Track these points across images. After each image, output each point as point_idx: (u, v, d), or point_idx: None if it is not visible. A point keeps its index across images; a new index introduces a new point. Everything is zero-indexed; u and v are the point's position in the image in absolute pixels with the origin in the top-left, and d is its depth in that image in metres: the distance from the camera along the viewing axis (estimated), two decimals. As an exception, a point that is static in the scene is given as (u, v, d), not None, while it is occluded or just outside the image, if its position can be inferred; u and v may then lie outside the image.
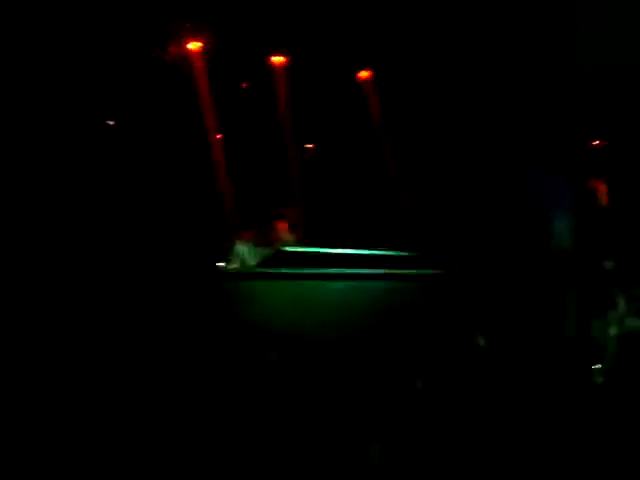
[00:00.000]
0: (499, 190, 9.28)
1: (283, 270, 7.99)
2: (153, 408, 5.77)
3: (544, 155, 9.09)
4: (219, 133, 9.46)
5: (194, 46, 9.26)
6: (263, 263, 8.22)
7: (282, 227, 8.94)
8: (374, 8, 9.12)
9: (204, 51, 9.21)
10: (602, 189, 7.64)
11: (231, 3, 9.00)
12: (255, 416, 5.71)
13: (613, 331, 6.57)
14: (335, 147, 9.97)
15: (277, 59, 9.58)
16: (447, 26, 9.03)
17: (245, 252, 8.74)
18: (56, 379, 5.99)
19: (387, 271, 8.17)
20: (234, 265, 8.65)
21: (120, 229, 8.92)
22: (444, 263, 8.40)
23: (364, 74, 9.80)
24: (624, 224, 7.46)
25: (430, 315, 7.59)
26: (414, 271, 8.29)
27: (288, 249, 8.55)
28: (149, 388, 6.04)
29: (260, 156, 9.68)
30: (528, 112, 9.23)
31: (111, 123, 9.79)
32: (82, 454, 5.19)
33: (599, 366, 6.26)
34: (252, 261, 8.62)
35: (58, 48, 8.79)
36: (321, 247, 8.14)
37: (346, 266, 8.13)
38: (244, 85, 9.80)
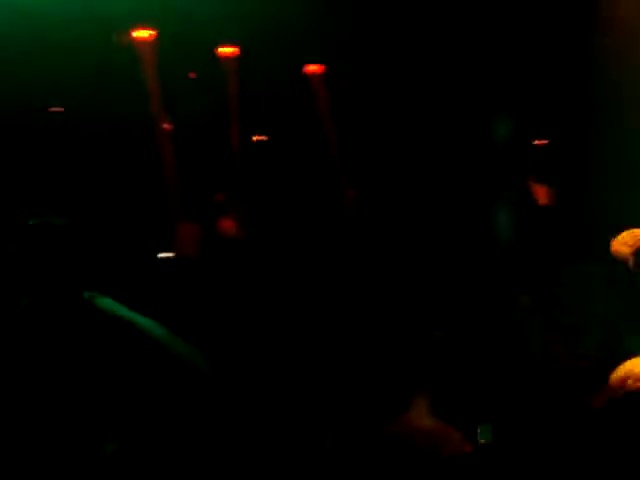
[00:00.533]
0: (443, 186, 9.34)
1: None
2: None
3: (485, 153, 9.17)
4: (167, 123, 9.43)
5: (141, 34, 9.20)
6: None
7: (227, 223, 8.91)
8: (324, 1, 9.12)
9: (152, 40, 9.17)
10: (542, 190, 7.73)
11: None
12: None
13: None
14: (284, 141, 9.97)
15: (226, 50, 9.55)
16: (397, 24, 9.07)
17: None
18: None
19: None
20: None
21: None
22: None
23: (313, 67, 9.80)
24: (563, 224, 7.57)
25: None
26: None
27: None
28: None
29: (207, 148, 9.65)
30: (470, 111, 9.29)
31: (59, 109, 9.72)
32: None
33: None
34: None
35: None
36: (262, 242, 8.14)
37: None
38: (192, 75, 9.74)
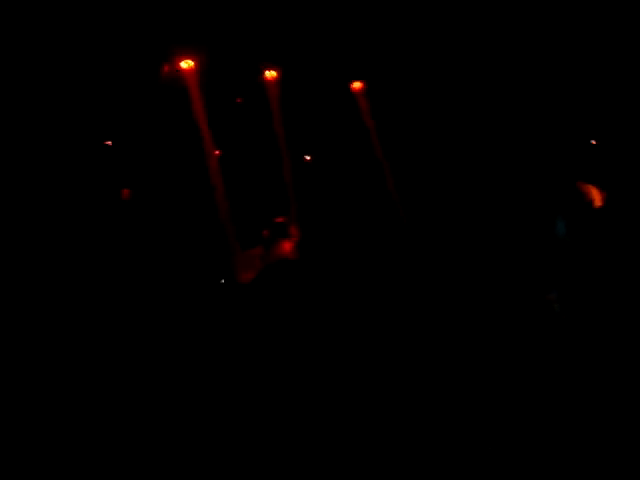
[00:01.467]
0: (496, 193, 9.33)
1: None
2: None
3: (539, 156, 9.15)
4: (216, 149, 9.55)
5: (186, 65, 9.36)
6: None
7: (285, 243, 8.99)
8: (363, 19, 9.20)
9: (196, 69, 9.31)
10: (594, 191, 7.68)
11: (220, 20, 9.09)
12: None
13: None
14: (331, 159, 10.06)
15: (269, 73, 9.68)
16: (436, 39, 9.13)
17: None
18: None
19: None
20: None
21: (120, 247, 9.03)
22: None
23: (356, 85, 9.89)
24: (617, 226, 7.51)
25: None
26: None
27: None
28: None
29: (257, 171, 9.78)
30: (522, 119, 9.29)
31: (108, 143, 9.90)
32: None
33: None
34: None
35: (57, 65, 8.93)
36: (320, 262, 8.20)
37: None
38: (238, 100, 9.89)
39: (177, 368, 6.89)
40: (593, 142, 9.42)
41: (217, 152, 9.42)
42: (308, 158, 10.32)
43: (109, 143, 10.00)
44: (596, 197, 7.79)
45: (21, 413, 5.88)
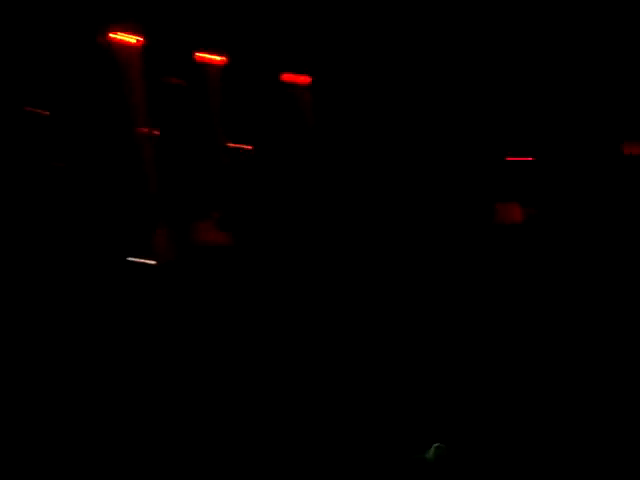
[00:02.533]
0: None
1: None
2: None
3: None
4: (149, 128, 9.46)
5: (127, 39, 9.25)
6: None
7: (207, 226, 8.98)
8: (310, 11, 9.20)
9: (136, 47, 9.21)
10: (515, 208, 7.76)
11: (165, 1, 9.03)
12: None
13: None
14: (268, 149, 10.01)
15: (210, 57, 9.59)
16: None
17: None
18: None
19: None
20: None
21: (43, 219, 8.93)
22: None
23: (299, 78, 9.85)
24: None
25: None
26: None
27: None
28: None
29: (191, 154, 9.70)
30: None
31: (44, 113, 9.75)
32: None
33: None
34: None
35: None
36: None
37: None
38: (175, 81, 9.78)
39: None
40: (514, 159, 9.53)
41: (147, 130, 9.35)
42: (246, 148, 10.28)
43: (46, 113, 9.85)
44: (516, 214, 7.87)
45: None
